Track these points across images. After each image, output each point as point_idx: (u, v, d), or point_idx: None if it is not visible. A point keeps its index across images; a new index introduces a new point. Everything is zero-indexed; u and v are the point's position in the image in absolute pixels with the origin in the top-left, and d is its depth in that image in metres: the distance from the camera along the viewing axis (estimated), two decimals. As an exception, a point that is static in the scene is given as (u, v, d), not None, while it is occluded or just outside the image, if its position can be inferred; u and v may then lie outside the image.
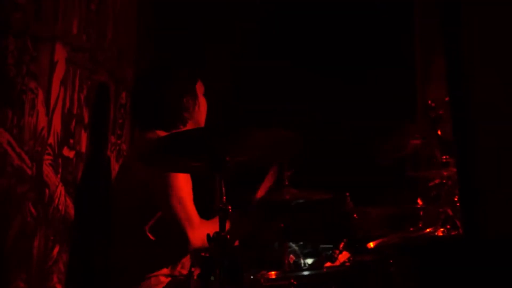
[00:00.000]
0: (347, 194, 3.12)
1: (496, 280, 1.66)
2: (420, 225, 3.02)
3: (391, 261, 2.61)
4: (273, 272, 2.65)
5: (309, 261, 2.95)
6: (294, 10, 4.31)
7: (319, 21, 4.29)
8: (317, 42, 4.26)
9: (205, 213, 2.87)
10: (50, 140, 2.56)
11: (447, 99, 2.79)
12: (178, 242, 2.67)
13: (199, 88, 3.01)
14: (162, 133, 2.82)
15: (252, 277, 2.63)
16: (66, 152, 2.71)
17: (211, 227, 2.62)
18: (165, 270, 2.72)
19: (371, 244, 2.74)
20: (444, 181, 3.08)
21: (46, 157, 2.53)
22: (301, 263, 2.92)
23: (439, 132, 3.03)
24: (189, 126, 2.95)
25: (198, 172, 2.67)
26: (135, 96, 3.16)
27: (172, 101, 2.90)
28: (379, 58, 4.06)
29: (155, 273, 2.69)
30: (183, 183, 2.69)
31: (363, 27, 4.18)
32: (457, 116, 1.68)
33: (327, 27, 4.25)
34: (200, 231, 2.63)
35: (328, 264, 2.80)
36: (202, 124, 3.00)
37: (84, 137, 2.89)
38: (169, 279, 2.70)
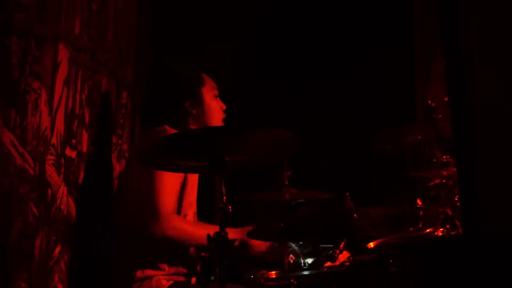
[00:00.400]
0: (347, 194, 3.13)
1: (495, 280, 1.66)
2: (420, 225, 3.03)
3: (391, 261, 2.62)
4: (273, 272, 2.66)
5: (309, 261, 2.95)
6: (294, 11, 4.32)
7: (319, 20, 4.30)
8: (316, 41, 4.27)
9: (205, 213, 2.88)
10: (53, 140, 2.57)
11: (447, 99, 2.80)
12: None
13: (207, 91, 2.97)
14: (169, 128, 2.82)
15: (252, 277, 2.64)
16: (68, 152, 2.71)
17: (189, 227, 2.64)
18: (166, 269, 2.72)
19: (371, 244, 2.75)
20: (444, 181, 3.09)
21: (49, 157, 2.53)
22: (301, 263, 2.92)
23: (439, 132, 3.03)
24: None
25: (198, 172, 2.68)
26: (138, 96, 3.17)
27: (174, 104, 2.91)
28: (379, 58, 4.06)
29: (156, 273, 2.69)
30: (168, 178, 2.65)
31: (364, 26, 4.19)
32: (457, 116, 1.68)
33: (327, 26, 4.26)
34: (166, 225, 2.60)
35: (328, 264, 2.80)
36: None
37: (85, 137, 2.90)
38: (170, 282, 2.70)
